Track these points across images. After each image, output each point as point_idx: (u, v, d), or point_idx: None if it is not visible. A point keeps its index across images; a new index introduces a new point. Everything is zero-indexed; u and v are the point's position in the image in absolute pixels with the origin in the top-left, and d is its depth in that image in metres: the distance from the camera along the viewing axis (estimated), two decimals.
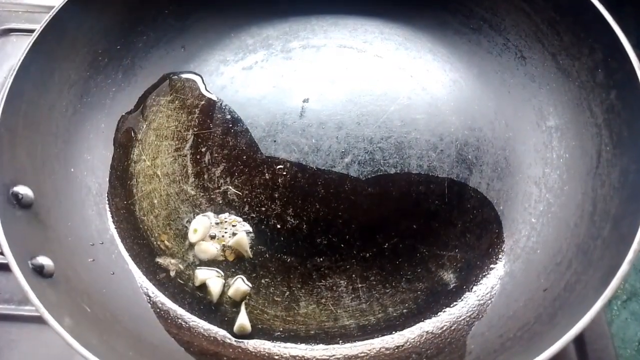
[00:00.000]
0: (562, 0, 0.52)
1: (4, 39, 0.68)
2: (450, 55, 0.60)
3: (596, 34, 0.49)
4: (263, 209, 0.52)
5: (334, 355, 0.46)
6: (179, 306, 0.48)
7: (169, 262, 0.51)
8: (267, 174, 0.54)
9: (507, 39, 0.57)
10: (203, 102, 0.59)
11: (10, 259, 0.40)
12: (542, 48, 0.55)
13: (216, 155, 0.55)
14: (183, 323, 0.47)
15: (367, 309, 0.48)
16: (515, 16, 0.56)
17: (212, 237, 0.51)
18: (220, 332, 0.47)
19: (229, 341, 0.46)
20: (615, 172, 0.46)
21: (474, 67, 0.59)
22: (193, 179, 0.54)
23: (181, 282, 0.50)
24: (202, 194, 0.53)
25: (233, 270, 0.50)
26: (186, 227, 0.52)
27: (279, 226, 0.51)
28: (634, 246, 0.39)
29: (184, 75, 0.61)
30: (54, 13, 0.51)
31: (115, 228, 0.52)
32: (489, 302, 0.47)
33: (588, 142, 0.50)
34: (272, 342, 0.47)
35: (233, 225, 0.52)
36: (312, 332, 0.47)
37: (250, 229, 0.51)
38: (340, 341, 0.47)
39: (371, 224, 0.51)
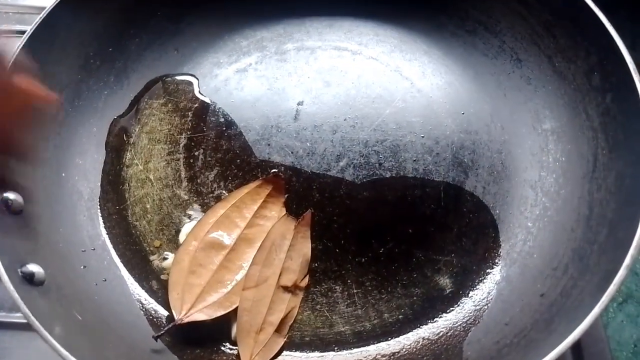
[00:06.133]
0: (557, 2, 0.52)
1: None
2: (445, 58, 0.59)
3: (592, 37, 0.49)
4: None
5: None
6: None
7: (162, 268, 0.50)
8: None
9: (503, 41, 0.57)
10: (196, 105, 0.58)
11: None
12: (538, 50, 0.55)
13: (209, 159, 0.55)
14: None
15: (362, 315, 0.47)
16: (511, 19, 0.56)
17: None
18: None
19: (222, 348, 0.46)
20: (611, 176, 0.46)
21: (470, 70, 0.58)
22: (186, 183, 0.54)
23: None
24: (195, 198, 0.53)
25: None
26: (180, 232, 0.51)
27: None
28: (631, 251, 0.39)
29: (177, 78, 0.60)
30: (45, 14, 0.50)
31: (107, 234, 0.51)
32: (486, 307, 0.47)
33: (584, 146, 0.50)
34: None
35: None
36: (307, 339, 0.47)
37: None
38: (336, 348, 0.46)
39: (366, 229, 0.51)
